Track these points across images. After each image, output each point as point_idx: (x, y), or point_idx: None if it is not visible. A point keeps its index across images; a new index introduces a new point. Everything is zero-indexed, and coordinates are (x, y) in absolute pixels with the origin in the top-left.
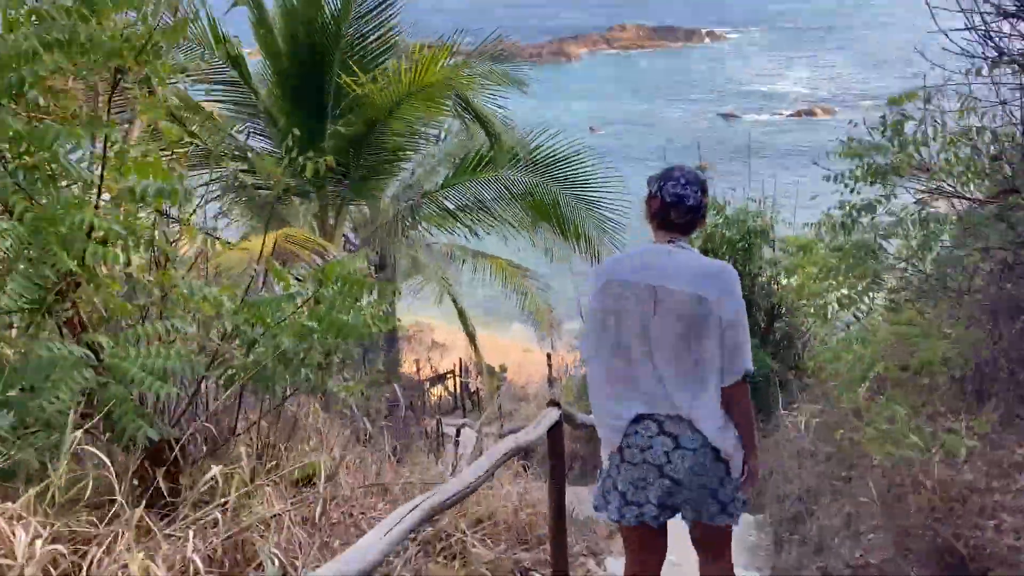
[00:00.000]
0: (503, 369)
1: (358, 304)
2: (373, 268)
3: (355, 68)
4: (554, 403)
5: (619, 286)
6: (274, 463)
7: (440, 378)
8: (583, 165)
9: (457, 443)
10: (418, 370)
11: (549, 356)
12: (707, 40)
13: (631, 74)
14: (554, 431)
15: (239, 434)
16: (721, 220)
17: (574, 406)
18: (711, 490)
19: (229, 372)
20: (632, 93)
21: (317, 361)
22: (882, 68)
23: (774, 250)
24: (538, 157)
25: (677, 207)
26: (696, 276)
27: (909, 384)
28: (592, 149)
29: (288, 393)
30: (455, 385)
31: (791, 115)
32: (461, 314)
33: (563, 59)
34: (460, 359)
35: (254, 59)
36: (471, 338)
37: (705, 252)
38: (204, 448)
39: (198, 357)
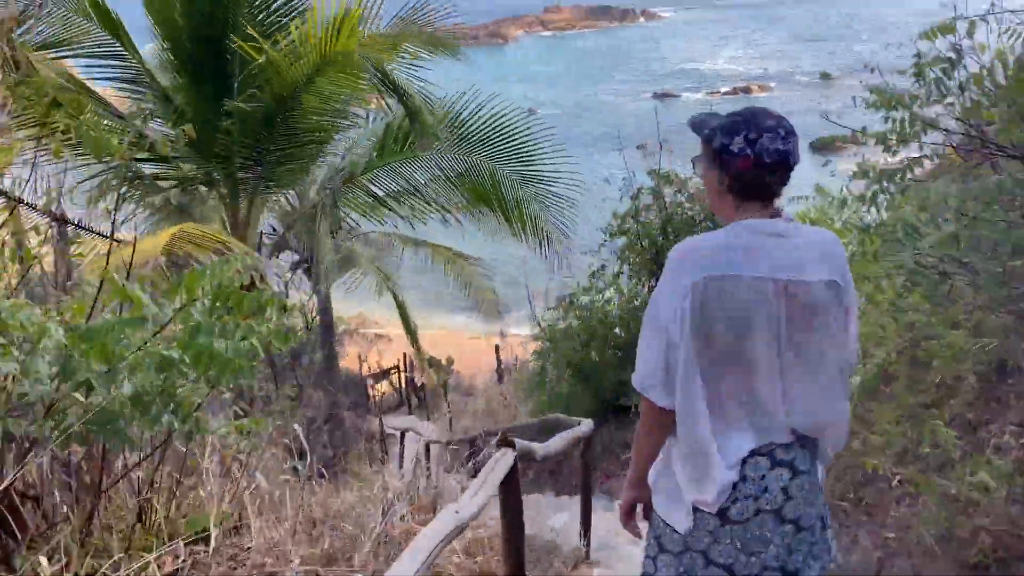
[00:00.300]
0: (449, 362)
1: (247, 323)
2: (298, 264)
3: (257, 36)
4: (506, 442)
5: (730, 283)
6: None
7: (384, 373)
8: (521, 139)
9: (402, 450)
10: (360, 366)
11: (497, 347)
12: (642, 20)
13: (568, 55)
14: (509, 483)
15: (105, 490)
16: (684, 196)
17: (526, 403)
18: (823, 522)
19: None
20: (569, 74)
21: (190, 401)
22: (815, 44)
23: None
24: (470, 133)
25: (781, 168)
26: (824, 257)
27: (914, 382)
28: (534, 119)
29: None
30: (400, 380)
31: (727, 92)
32: (401, 308)
33: (499, 41)
34: (405, 353)
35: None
36: (411, 333)
37: (665, 233)
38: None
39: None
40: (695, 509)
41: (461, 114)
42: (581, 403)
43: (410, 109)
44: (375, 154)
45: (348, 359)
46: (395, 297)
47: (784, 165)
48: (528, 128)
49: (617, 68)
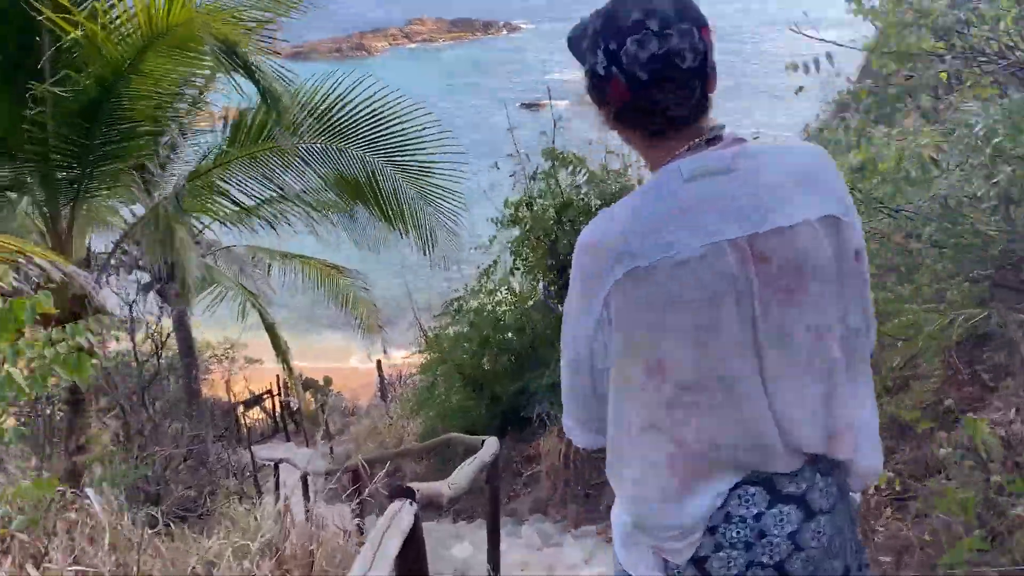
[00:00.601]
0: (327, 382)
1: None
2: (150, 285)
3: (70, 5)
4: (403, 491)
5: (666, 271)
6: None
7: (256, 400)
8: (398, 124)
9: (278, 483)
10: (228, 392)
11: (379, 363)
12: (504, 32)
13: (433, 67)
14: (409, 551)
15: None
16: (583, 177)
17: (415, 420)
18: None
19: None
20: (436, 86)
21: None
22: None
23: None
24: (339, 119)
25: (670, 79)
26: (807, 180)
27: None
28: (410, 102)
29: None
30: (273, 405)
31: (589, 102)
32: (269, 328)
33: (363, 54)
34: (278, 375)
35: None
36: (282, 355)
37: (560, 222)
38: None
39: None
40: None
41: (328, 97)
42: (475, 416)
43: (263, 88)
44: (225, 145)
45: (216, 386)
46: (262, 317)
47: (672, 72)
48: (405, 112)
49: (483, 79)
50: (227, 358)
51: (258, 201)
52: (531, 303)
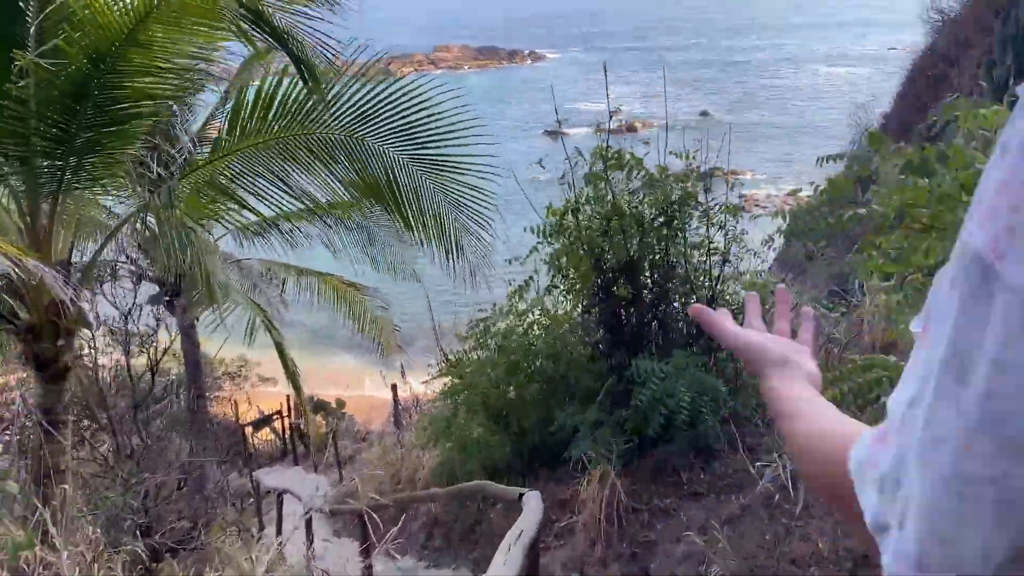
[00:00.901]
0: (340, 405)
1: None
2: (158, 297)
3: None
4: None
5: None
6: None
7: (265, 420)
8: (417, 110)
9: (280, 514)
10: (235, 411)
11: (394, 387)
12: (529, 60)
13: (459, 93)
14: None
15: None
16: (640, 180)
17: (431, 450)
18: None
19: None
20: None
21: None
22: (693, 85)
23: (721, 230)
24: (354, 104)
25: None
26: None
27: None
28: (432, 84)
29: None
30: (283, 427)
31: (614, 130)
32: (278, 346)
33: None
34: (288, 396)
35: None
36: (292, 376)
37: (607, 234)
38: None
39: None
40: None
41: (345, 84)
42: (499, 452)
43: (295, 55)
44: (226, 132)
45: (220, 406)
46: (272, 334)
47: None
48: (428, 97)
49: (508, 106)
50: (239, 376)
51: (270, 206)
52: (567, 326)
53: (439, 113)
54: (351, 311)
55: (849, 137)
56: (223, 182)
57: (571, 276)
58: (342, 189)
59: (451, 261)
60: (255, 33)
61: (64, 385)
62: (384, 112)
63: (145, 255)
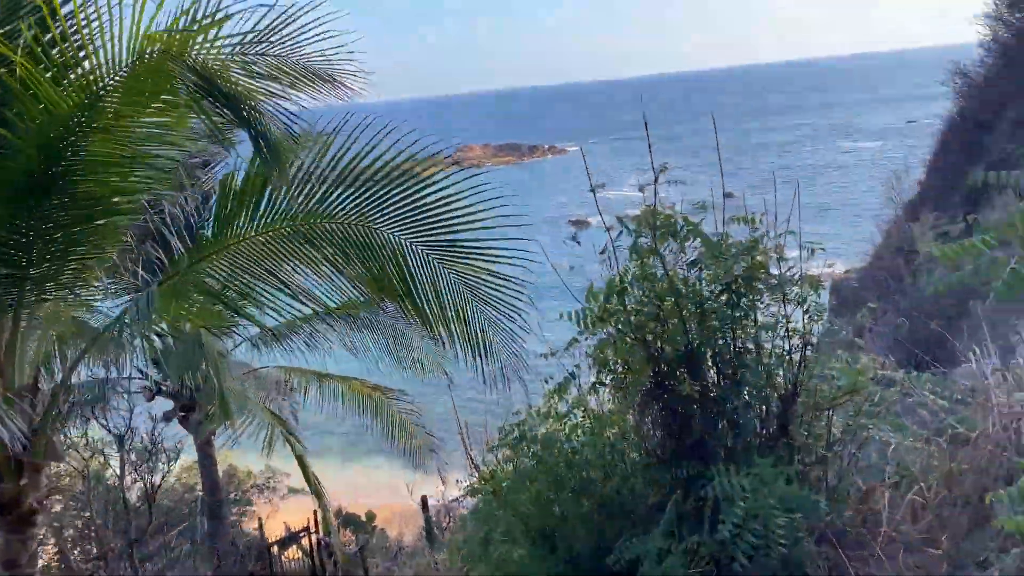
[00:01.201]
0: (370, 518)
1: None
2: (172, 413)
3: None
4: None
5: None
6: None
7: (292, 538)
8: (435, 191)
9: None
10: (261, 530)
11: (424, 500)
12: (549, 155)
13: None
14: None
15: None
16: (695, 252)
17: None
18: None
19: None
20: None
21: None
22: (713, 167)
23: (797, 309)
24: (357, 183)
25: None
26: None
27: None
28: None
29: None
30: (311, 544)
31: (636, 216)
32: (301, 462)
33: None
34: (315, 511)
35: None
36: (315, 490)
37: (661, 320)
38: None
39: None
40: None
41: (345, 152)
42: None
43: (256, 133)
44: (212, 227)
45: (250, 522)
46: (292, 447)
47: None
48: (445, 177)
49: (531, 198)
50: (268, 488)
51: (267, 312)
52: (618, 430)
53: (456, 195)
54: (378, 415)
55: (883, 209)
56: (211, 285)
57: (620, 371)
58: (350, 286)
59: (479, 360)
60: (212, 103)
61: (31, 532)
62: (394, 196)
63: (158, 369)
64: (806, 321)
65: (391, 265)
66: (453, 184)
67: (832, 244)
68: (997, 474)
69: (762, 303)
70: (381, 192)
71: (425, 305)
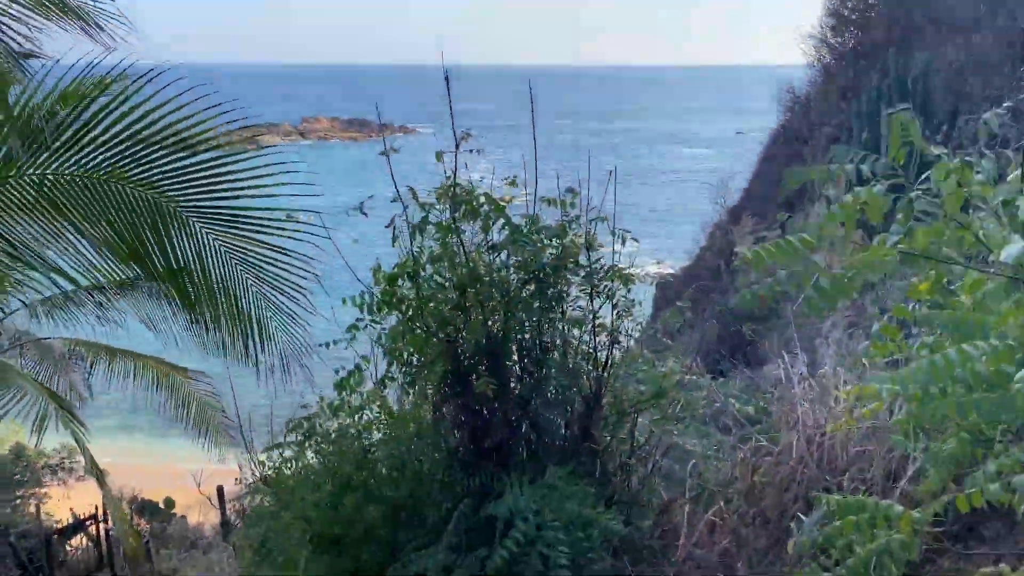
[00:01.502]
0: (169, 505)
1: None
2: None
3: None
4: None
5: None
6: None
7: (79, 525)
8: (204, 142)
9: None
10: (38, 515)
11: (220, 490)
12: (400, 134)
13: (329, 163)
14: None
15: None
16: (501, 234)
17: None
18: None
19: None
20: (331, 182)
21: None
22: (550, 162)
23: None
24: (107, 127)
25: None
26: None
27: None
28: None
29: None
30: (98, 531)
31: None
32: (80, 445)
33: (253, 147)
34: (104, 494)
35: None
36: (97, 477)
37: (462, 307)
38: None
39: None
40: None
41: (113, 106)
42: None
43: None
44: None
45: (53, 506)
46: (71, 428)
47: None
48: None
49: (379, 178)
50: (62, 468)
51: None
52: (414, 428)
53: (238, 162)
54: (174, 397)
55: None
56: None
57: (411, 363)
58: (94, 254)
59: (253, 347)
60: None
61: None
62: (155, 140)
63: None
64: (615, 317)
65: (148, 232)
66: (242, 154)
67: (666, 244)
68: (797, 491)
69: (569, 295)
70: (143, 151)
71: (185, 281)
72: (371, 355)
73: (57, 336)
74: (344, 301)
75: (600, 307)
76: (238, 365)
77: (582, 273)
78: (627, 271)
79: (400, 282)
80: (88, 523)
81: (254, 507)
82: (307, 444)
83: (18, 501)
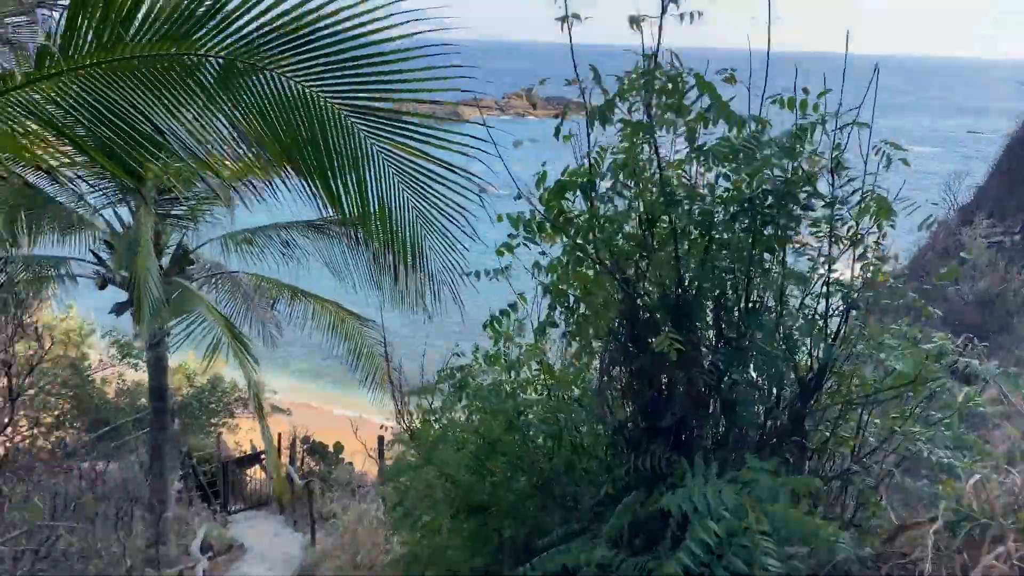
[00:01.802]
0: (338, 449)
1: None
2: (124, 305)
3: None
4: None
5: None
6: None
7: (254, 458)
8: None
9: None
10: (218, 446)
11: (380, 440)
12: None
13: (520, 134)
14: None
15: None
16: (717, 140)
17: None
18: None
19: None
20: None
21: None
22: None
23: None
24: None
25: None
26: None
27: None
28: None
29: None
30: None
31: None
32: (249, 383)
33: (455, 118)
34: (280, 434)
35: None
36: (260, 414)
37: (645, 246)
38: None
39: None
40: None
41: None
42: (464, 568)
43: None
44: (61, 41)
45: (239, 435)
46: (242, 366)
47: None
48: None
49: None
50: (250, 406)
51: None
52: (576, 392)
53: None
54: (348, 342)
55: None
56: (53, 114)
57: (579, 310)
58: (245, 146)
59: (405, 271)
60: None
61: None
62: (311, 39)
63: (111, 250)
64: (860, 272)
65: (304, 130)
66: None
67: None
68: None
69: (794, 237)
70: (302, 42)
71: (337, 184)
72: (523, 300)
73: (244, 271)
74: (500, 217)
75: (840, 255)
76: (412, 314)
77: (820, 204)
78: (886, 199)
79: (570, 197)
80: (262, 456)
81: (396, 458)
82: (458, 397)
83: (210, 429)
